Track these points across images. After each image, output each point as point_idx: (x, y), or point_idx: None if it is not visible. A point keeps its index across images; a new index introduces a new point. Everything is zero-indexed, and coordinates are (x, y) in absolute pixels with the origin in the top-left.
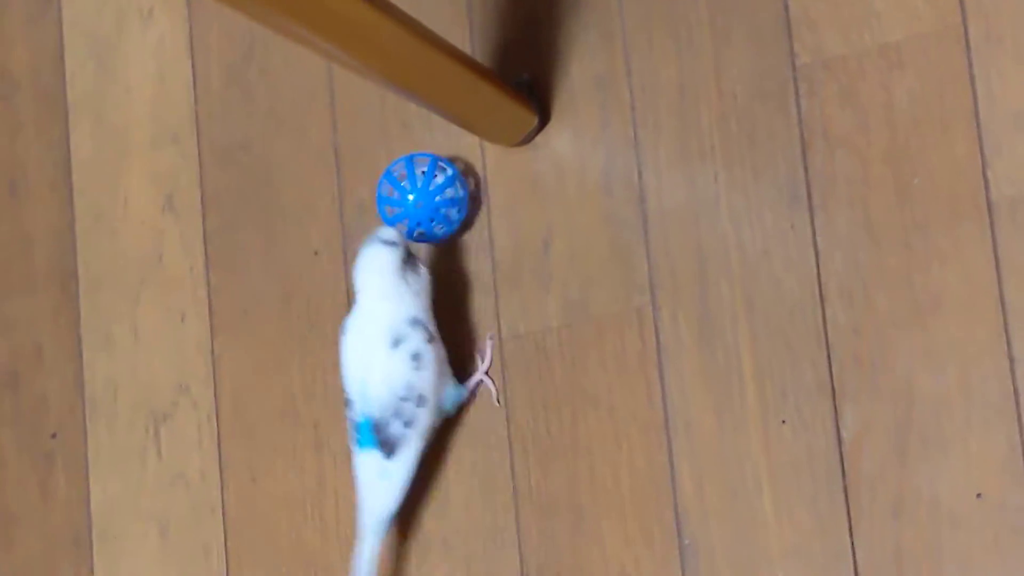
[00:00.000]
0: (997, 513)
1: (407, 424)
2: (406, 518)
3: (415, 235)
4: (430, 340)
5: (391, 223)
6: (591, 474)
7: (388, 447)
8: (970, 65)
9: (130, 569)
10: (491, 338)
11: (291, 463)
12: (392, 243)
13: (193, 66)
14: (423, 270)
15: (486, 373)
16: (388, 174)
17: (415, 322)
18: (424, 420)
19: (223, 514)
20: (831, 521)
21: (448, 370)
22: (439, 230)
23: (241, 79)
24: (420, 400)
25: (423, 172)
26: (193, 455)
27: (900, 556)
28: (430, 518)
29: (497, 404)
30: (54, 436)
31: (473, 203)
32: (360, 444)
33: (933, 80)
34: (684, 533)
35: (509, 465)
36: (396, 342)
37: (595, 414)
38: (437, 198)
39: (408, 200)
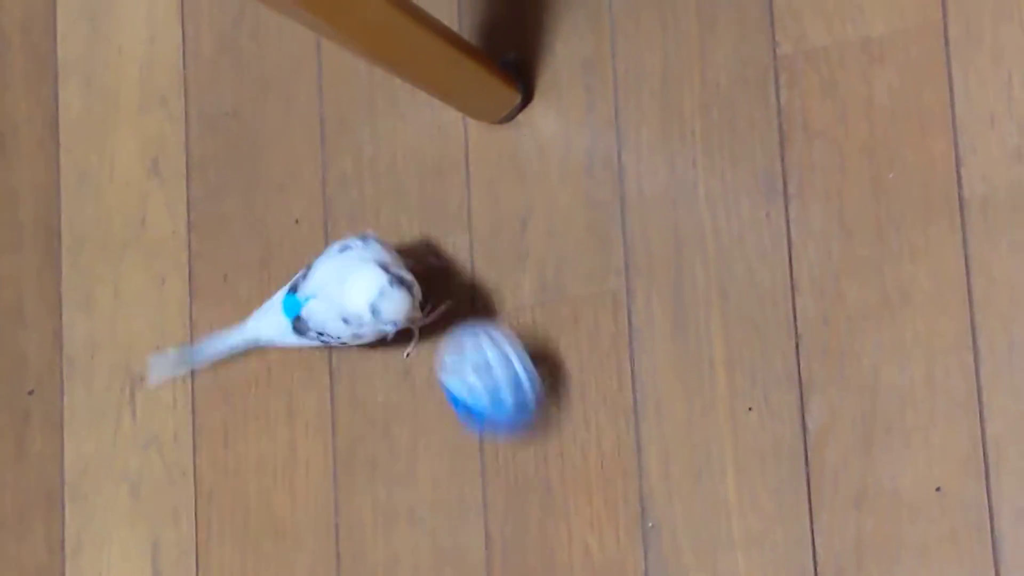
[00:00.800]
0: (955, 507)
1: (321, 334)
2: (374, 489)
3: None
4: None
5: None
6: (560, 453)
7: (300, 330)
8: (949, 63)
9: (100, 529)
10: (446, 305)
11: (263, 429)
12: (410, 286)
13: (184, 31)
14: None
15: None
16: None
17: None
18: (342, 338)
19: (194, 478)
20: (793, 509)
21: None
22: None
23: (231, 45)
24: (350, 326)
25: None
26: (167, 418)
27: (859, 546)
28: (397, 490)
29: (405, 357)
30: (31, 393)
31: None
32: (285, 308)
33: (913, 76)
34: (648, 515)
35: (478, 441)
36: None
37: (566, 394)
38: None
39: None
